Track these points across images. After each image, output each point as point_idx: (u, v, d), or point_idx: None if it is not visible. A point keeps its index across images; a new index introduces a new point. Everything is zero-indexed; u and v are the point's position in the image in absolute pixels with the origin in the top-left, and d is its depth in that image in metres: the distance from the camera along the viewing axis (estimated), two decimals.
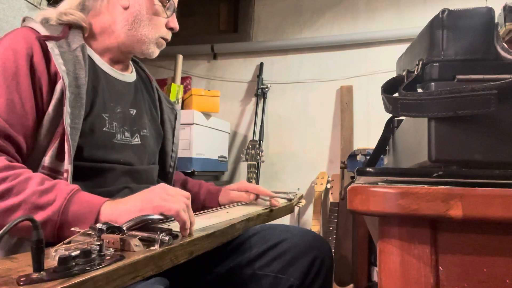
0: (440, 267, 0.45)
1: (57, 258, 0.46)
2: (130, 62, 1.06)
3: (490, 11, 0.55)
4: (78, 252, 0.48)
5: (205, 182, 1.16)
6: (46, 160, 0.78)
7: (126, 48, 0.96)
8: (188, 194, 0.72)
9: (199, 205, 1.10)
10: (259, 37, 2.70)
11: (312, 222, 2.25)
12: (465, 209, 0.43)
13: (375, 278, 1.94)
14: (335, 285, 2.03)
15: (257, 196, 1.03)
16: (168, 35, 1.00)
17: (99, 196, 0.72)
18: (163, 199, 0.68)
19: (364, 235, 1.97)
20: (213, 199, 1.09)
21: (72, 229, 0.60)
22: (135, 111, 0.98)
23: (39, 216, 0.67)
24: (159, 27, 0.97)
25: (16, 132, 0.76)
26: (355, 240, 2.20)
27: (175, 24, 1.00)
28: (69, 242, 0.55)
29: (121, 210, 0.69)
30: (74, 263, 0.47)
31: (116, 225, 0.58)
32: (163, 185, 0.73)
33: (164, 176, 1.09)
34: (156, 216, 0.65)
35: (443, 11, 0.55)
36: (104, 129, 0.87)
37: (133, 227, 0.61)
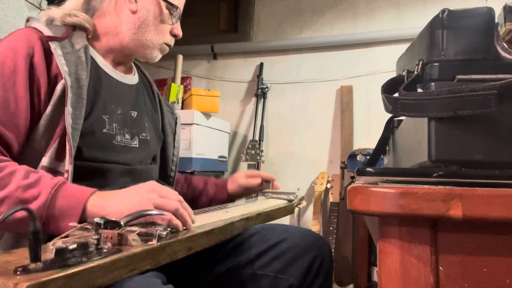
0: (440, 267, 0.45)
1: (54, 251, 0.47)
2: (133, 64, 1.06)
3: (490, 11, 0.55)
4: (75, 245, 0.48)
5: (207, 177, 1.20)
6: (45, 160, 0.78)
7: (128, 50, 0.97)
8: (176, 192, 0.72)
9: (207, 200, 1.13)
10: (259, 37, 2.70)
11: (312, 222, 2.25)
12: (465, 209, 0.43)
13: (375, 278, 1.94)
14: (335, 285, 2.03)
15: (262, 181, 1.13)
16: (172, 42, 1.02)
17: (85, 188, 0.71)
18: (156, 205, 0.67)
19: (364, 235, 1.97)
20: (222, 191, 1.14)
21: (70, 224, 0.60)
22: (136, 113, 0.98)
23: None
24: (163, 34, 0.98)
25: (7, 130, 0.76)
26: (355, 240, 2.20)
27: (179, 31, 1.01)
28: (66, 236, 0.55)
29: (112, 209, 0.68)
30: (71, 255, 0.47)
31: (114, 219, 0.57)
32: (153, 187, 0.71)
33: (166, 180, 1.09)
34: (154, 211, 0.65)
35: (443, 11, 0.55)
36: (104, 130, 0.87)
37: (131, 223, 0.61)
